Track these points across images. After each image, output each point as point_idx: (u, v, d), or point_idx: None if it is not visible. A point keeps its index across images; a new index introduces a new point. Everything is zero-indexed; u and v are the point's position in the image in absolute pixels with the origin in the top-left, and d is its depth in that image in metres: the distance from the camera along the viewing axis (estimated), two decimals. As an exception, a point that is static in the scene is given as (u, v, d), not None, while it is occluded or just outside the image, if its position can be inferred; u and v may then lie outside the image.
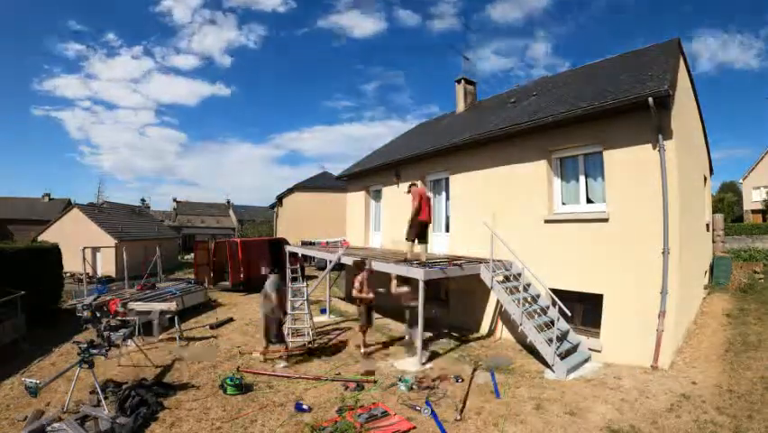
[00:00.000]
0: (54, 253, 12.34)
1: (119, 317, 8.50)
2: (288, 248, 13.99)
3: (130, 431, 4.57)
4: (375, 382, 6.03)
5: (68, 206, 32.70)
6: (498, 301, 8.00)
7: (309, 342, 7.93)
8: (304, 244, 13.85)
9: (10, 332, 8.60)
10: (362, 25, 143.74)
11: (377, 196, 13.64)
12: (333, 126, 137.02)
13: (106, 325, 6.69)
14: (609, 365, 6.38)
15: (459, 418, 4.82)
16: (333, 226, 22.95)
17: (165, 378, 6.39)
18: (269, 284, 7.49)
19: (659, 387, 5.45)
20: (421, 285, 6.85)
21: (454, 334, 8.59)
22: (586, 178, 7.47)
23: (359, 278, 7.60)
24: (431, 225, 8.71)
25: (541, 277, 7.55)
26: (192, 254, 23.19)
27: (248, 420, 4.92)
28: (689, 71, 8.90)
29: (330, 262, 10.21)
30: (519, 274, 7.69)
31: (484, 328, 8.75)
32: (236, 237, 27.31)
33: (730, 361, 6.17)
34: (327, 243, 13.79)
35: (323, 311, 11.11)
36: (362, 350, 7.51)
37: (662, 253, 6.12)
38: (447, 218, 10.42)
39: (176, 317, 8.84)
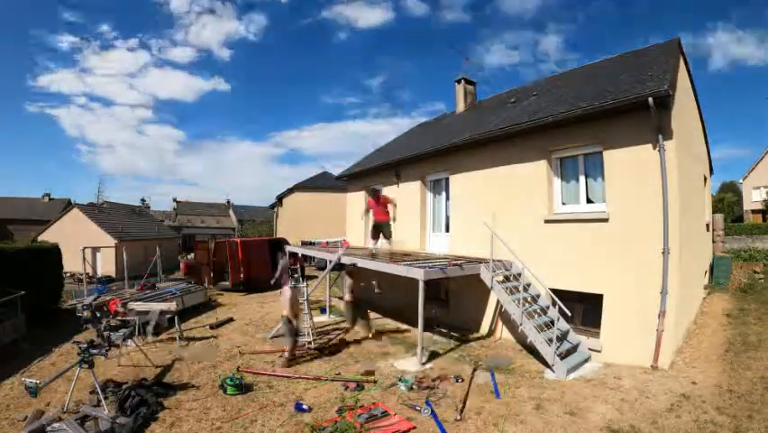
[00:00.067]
0: (54, 253, 12.34)
1: (119, 317, 8.50)
2: (287, 248, 14.00)
3: (130, 431, 4.57)
4: (375, 382, 6.03)
5: (68, 206, 32.72)
6: (498, 301, 8.00)
7: (309, 342, 7.93)
8: (304, 244, 13.85)
9: (10, 332, 8.60)
10: (367, 17, 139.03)
11: (377, 196, 13.61)
12: (335, 124, 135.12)
13: (106, 325, 6.70)
14: (609, 365, 6.38)
15: (459, 418, 4.82)
16: (333, 226, 22.96)
17: (165, 378, 6.39)
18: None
19: (659, 387, 5.45)
20: (421, 285, 6.86)
21: (454, 334, 8.59)
22: (586, 178, 7.47)
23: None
24: (431, 225, 10.62)
25: (541, 277, 7.55)
26: (192, 254, 23.19)
27: (248, 420, 4.92)
28: (689, 71, 8.90)
29: (330, 262, 10.20)
30: (519, 274, 7.69)
31: (484, 328, 8.75)
32: (236, 237, 27.31)
33: (730, 361, 6.17)
34: (327, 243, 13.76)
35: (323, 311, 11.11)
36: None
37: (662, 253, 6.12)
38: (447, 218, 10.42)
39: (176, 317, 8.84)
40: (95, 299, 8.69)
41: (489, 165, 8.93)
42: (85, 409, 4.98)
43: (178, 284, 13.97)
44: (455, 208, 9.99)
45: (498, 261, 7.83)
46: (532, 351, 6.97)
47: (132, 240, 24.42)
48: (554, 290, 7.17)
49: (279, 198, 30.69)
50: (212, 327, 9.86)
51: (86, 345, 5.38)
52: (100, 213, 25.87)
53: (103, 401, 5.01)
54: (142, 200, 50.19)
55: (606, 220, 6.84)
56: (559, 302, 6.58)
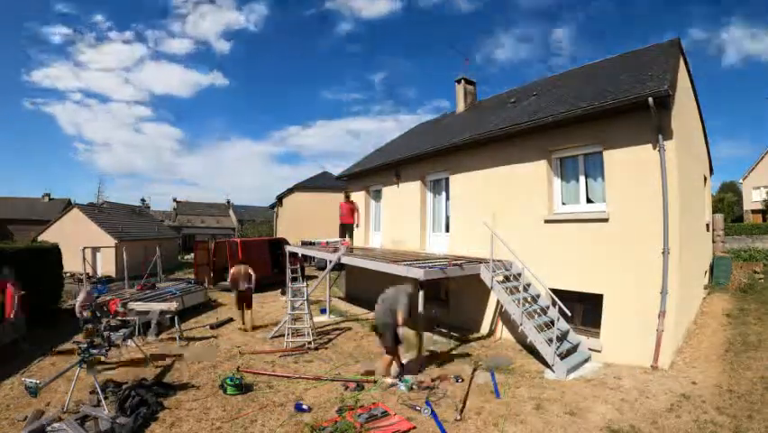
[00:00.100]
0: (54, 253, 12.33)
1: (119, 317, 8.50)
2: (287, 248, 13.99)
3: (130, 431, 4.57)
4: (375, 382, 6.03)
5: (68, 206, 32.71)
6: (498, 301, 8.00)
7: (309, 342, 7.94)
8: (304, 244, 13.84)
9: (10, 332, 8.59)
10: (372, 8, 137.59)
11: (377, 196, 13.64)
12: (338, 121, 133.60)
13: (106, 325, 6.70)
14: (609, 365, 6.38)
15: (459, 418, 4.82)
16: (333, 226, 22.90)
17: (165, 378, 6.39)
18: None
19: (659, 387, 5.45)
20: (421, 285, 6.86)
21: (454, 334, 8.59)
22: (586, 178, 7.47)
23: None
24: (431, 225, 11.05)
25: (541, 277, 7.55)
26: (192, 254, 23.20)
27: (248, 420, 4.92)
28: (689, 71, 8.90)
29: (330, 262, 10.20)
30: (519, 274, 7.69)
31: (484, 328, 8.75)
32: (236, 237, 27.31)
33: (730, 361, 6.17)
34: (327, 243, 13.78)
35: (323, 311, 11.11)
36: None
37: (662, 253, 6.12)
38: (447, 218, 10.42)
39: (176, 317, 8.84)
40: (95, 299, 8.69)
41: (489, 165, 8.93)
42: (85, 409, 4.98)
43: (178, 284, 13.97)
44: (455, 208, 9.99)
45: (498, 261, 7.83)
46: (532, 351, 6.97)
47: (132, 240, 24.41)
48: (554, 290, 7.17)
49: (279, 198, 30.69)
50: (212, 327, 9.85)
51: (86, 345, 5.38)
52: (100, 213, 25.87)
53: (103, 401, 5.01)
54: (142, 200, 50.23)
55: (606, 220, 6.84)
56: (559, 302, 6.58)
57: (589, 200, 7.44)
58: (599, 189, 7.23)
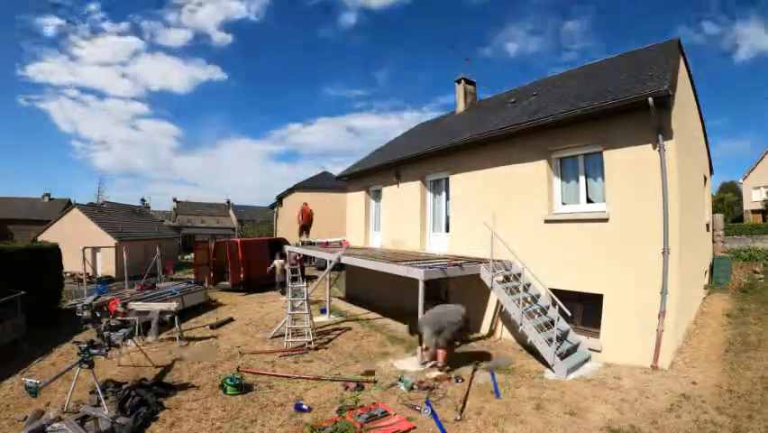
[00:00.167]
0: (54, 253, 12.34)
1: (119, 317, 8.50)
2: (287, 248, 13.99)
3: (130, 431, 4.57)
4: (375, 382, 6.03)
5: (68, 206, 32.71)
6: (498, 301, 8.00)
7: (309, 342, 7.94)
8: (304, 243, 13.85)
9: (10, 332, 8.60)
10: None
11: (377, 196, 13.64)
12: (341, 117, 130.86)
13: (106, 325, 6.70)
14: (609, 365, 6.38)
15: (459, 418, 4.82)
16: (333, 226, 22.93)
17: (165, 378, 6.39)
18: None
19: (659, 387, 5.45)
20: (421, 285, 6.86)
21: (454, 334, 8.58)
22: (586, 178, 7.47)
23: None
24: (431, 225, 11.14)
25: (541, 277, 7.55)
26: (192, 254, 23.20)
27: (248, 420, 4.92)
28: (689, 71, 8.90)
29: (330, 262, 10.21)
30: (519, 274, 7.69)
31: (484, 328, 8.75)
32: (236, 237, 27.30)
33: (730, 361, 6.17)
34: (327, 243, 13.79)
35: (323, 311, 11.11)
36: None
37: (662, 253, 6.11)
38: (447, 218, 10.42)
39: (176, 317, 8.84)
40: (95, 299, 8.69)
41: (489, 165, 8.92)
42: (85, 409, 4.98)
43: (178, 284, 13.97)
44: (455, 208, 9.99)
45: (498, 261, 7.83)
46: (532, 351, 6.97)
47: (132, 240, 24.42)
48: (554, 290, 7.17)
49: (279, 198, 30.66)
50: (212, 327, 9.86)
51: (86, 345, 5.38)
52: (100, 213, 25.87)
53: (103, 401, 5.01)
54: (142, 200, 50.25)
55: (606, 220, 6.83)
56: (559, 302, 6.58)
57: (589, 200, 7.44)
58: (599, 189, 7.23)
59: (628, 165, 6.62)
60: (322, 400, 5.42)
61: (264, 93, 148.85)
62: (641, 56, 8.59)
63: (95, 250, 21.12)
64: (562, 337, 6.69)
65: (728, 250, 16.39)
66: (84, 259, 14.20)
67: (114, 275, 20.53)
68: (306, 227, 14.35)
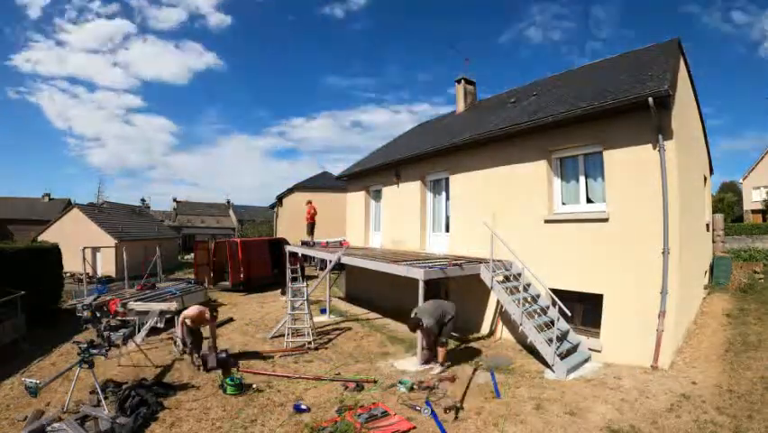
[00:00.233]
0: (54, 253, 12.35)
1: (119, 317, 8.51)
2: (287, 248, 13.99)
3: (130, 431, 4.57)
4: (375, 382, 6.03)
5: (68, 206, 32.72)
6: (498, 301, 8.00)
7: (309, 342, 7.94)
8: (304, 243, 13.85)
9: (10, 332, 8.60)
10: None
11: (377, 196, 13.64)
12: (345, 111, 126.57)
13: (106, 325, 6.70)
14: (609, 365, 6.38)
15: (455, 417, 4.81)
16: (333, 226, 22.93)
17: (165, 378, 6.39)
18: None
19: (659, 387, 5.45)
20: (421, 285, 6.86)
21: (454, 334, 8.57)
22: (586, 178, 7.47)
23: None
24: (431, 225, 11.14)
25: (541, 277, 7.55)
26: (192, 254, 23.20)
27: (248, 420, 4.92)
28: (689, 71, 8.90)
29: (330, 262, 10.21)
30: (519, 274, 7.69)
31: (484, 328, 8.75)
32: (236, 237, 27.31)
33: (730, 361, 6.17)
34: (327, 243, 13.79)
35: (323, 311, 11.11)
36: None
37: (662, 253, 6.11)
38: (447, 218, 10.42)
39: (176, 318, 8.83)
40: (95, 299, 8.71)
41: (489, 165, 8.93)
42: (85, 409, 4.98)
43: (178, 284, 13.97)
44: (455, 208, 9.99)
45: (498, 261, 7.83)
46: (532, 351, 6.97)
47: (132, 240, 24.42)
48: (554, 290, 7.17)
49: (279, 198, 30.68)
50: (212, 327, 9.85)
51: (86, 345, 5.38)
52: (100, 213, 25.88)
53: (103, 401, 5.01)
54: (142, 200, 50.34)
55: (606, 220, 6.83)
56: (559, 302, 6.58)
57: (589, 200, 7.44)
58: (599, 189, 7.23)
59: (628, 165, 6.62)
60: (322, 401, 5.42)
61: (264, 84, 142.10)
62: (641, 56, 8.59)
63: (95, 250, 21.12)
64: (562, 337, 6.69)
65: (728, 250, 16.39)
66: (84, 259, 14.20)
67: (114, 275, 20.52)
68: (310, 226, 14.51)
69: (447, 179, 10.34)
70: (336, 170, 21.56)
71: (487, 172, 9.01)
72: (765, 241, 21.07)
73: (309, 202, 15.00)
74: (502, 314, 8.06)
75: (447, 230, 10.37)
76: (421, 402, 5.15)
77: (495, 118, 9.67)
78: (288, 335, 8.07)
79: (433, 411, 4.89)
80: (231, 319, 10.78)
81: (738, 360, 6.17)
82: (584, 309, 7.30)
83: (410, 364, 6.83)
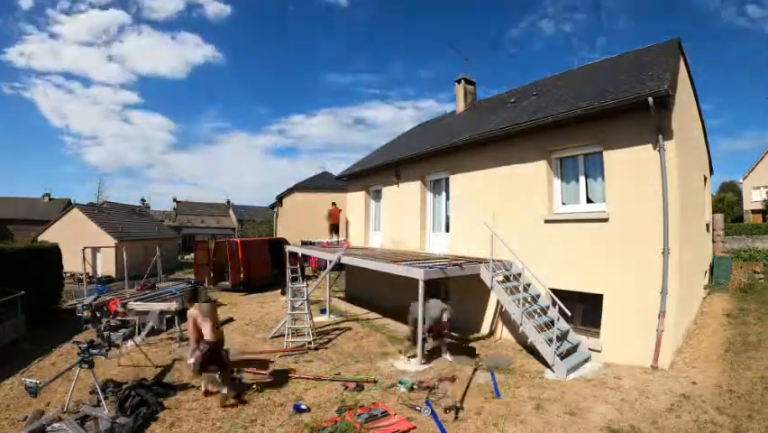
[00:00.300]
0: (54, 253, 12.35)
1: (119, 317, 8.50)
2: (287, 248, 13.99)
3: (130, 431, 4.57)
4: (375, 382, 6.03)
5: (68, 206, 32.71)
6: (498, 301, 8.00)
7: (309, 342, 7.94)
8: (304, 243, 13.84)
9: (10, 332, 8.60)
10: None
11: (377, 196, 13.64)
12: (347, 108, 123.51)
13: (106, 325, 6.70)
14: (609, 365, 6.38)
15: (455, 417, 4.81)
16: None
17: (165, 378, 6.39)
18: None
19: (659, 387, 5.45)
20: (421, 285, 6.86)
21: (455, 334, 8.58)
22: (586, 178, 7.47)
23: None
24: (431, 225, 11.16)
25: (541, 277, 7.55)
26: (192, 254, 23.20)
27: (248, 420, 4.92)
28: (689, 71, 8.90)
29: (330, 262, 10.21)
30: (519, 274, 7.69)
31: (484, 329, 8.75)
32: (236, 237, 27.31)
33: (730, 361, 6.17)
34: (328, 243, 13.80)
35: (323, 311, 11.10)
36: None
37: (662, 253, 6.11)
38: (447, 218, 10.42)
39: (176, 318, 8.83)
40: (95, 299, 8.70)
41: (489, 165, 8.92)
42: (85, 409, 4.98)
43: (178, 284, 13.96)
44: (455, 208, 9.99)
45: (498, 261, 7.83)
46: (532, 351, 6.97)
47: (132, 240, 24.41)
48: (554, 290, 7.17)
49: (279, 198, 30.66)
50: (212, 327, 9.84)
51: (86, 345, 5.38)
52: (100, 213, 25.87)
53: (103, 401, 5.01)
54: (142, 200, 50.32)
55: (606, 220, 6.83)
56: (559, 302, 6.58)
57: (589, 200, 7.44)
58: (599, 189, 7.23)
59: (628, 165, 6.62)
60: (322, 400, 5.42)
61: (264, 79, 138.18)
62: (641, 56, 8.59)
63: (95, 250, 21.10)
64: (562, 337, 6.69)
65: (728, 250, 16.39)
66: (84, 259, 14.19)
67: (114, 275, 20.51)
68: (335, 226, 15.01)
69: (447, 179, 10.34)
70: (337, 169, 21.55)
71: (487, 172, 9.01)
72: (765, 241, 21.06)
73: (334, 204, 15.34)
74: (502, 314, 8.06)
75: (447, 230, 10.37)
76: (421, 402, 5.16)
77: (495, 118, 9.67)
78: (288, 335, 8.07)
79: (433, 411, 4.90)
80: (231, 319, 10.78)
81: (738, 360, 6.17)
82: (584, 309, 7.30)
83: (410, 365, 6.83)
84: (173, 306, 8.99)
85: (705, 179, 11.90)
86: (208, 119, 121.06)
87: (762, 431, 4.27)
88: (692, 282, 8.23)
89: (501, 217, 8.38)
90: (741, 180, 39.42)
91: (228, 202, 56.91)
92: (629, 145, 6.60)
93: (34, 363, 7.38)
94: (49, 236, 21.23)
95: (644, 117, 6.19)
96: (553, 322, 6.62)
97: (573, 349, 6.70)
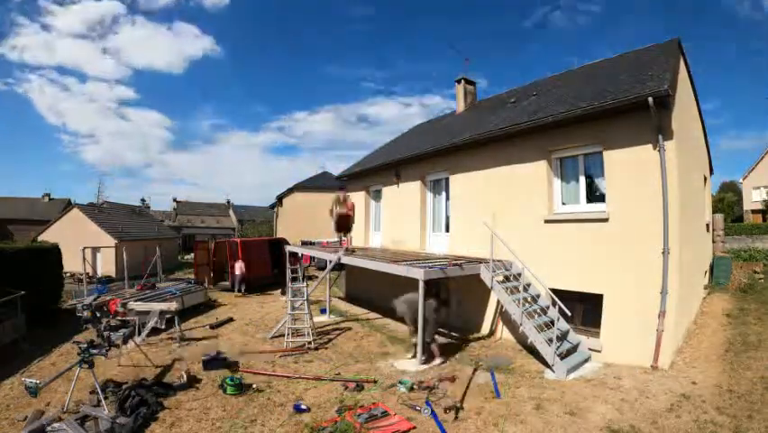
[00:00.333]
0: (54, 253, 12.34)
1: (119, 317, 8.50)
2: (287, 248, 13.99)
3: (130, 431, 4.57)
4: (375, 381, 6.03)
5: (68, 206, 32.71)
6: (498, 301, 8.00)
7: (309, 342, 7.94)
8: (304, 243, 13.84)
9: (10, 332, 8.60)
10: None
11: (377, 196, 13.64)
12: (354, 105, 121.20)
13: (106, 325, 6.70)
14: (609, 365, 6.38)
15: (455, 417, 4.81)
16: (333, 226, 22.92)
17: (165, 378, 6.39)
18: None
19: (659, 387, 5.45)
20: (421, 285, 6.85)
21: (455, 334, 8.59)
22: (586, 178, 7.47)
23: None
24: (431, 225, 11.09)
25: (541, 277, 7.55)
26: (192, 254, 23.20)
27: (248, 420, 4.92)
28: (689, 71, 8.90)
29: (330, 262, 10.21)
30: (519, 274, 7.69)
31: (485, 329, 8.75)
32: (236, 237, 27.31)
33: (730, 361, 6.17)
34: (328, 243, 13.79)
35: (323, 311, 11.11)
36: None
37: (662, 253, 6.11)
38: (447, 218, 10.42)
39: (176, 318, 8.83)
40: (95, 299, 8.69)
41: (489, 165, 8.92)
42: (85, 409, 4.98)
43: (178, 284, 13.97)
44: (455, 208, 9.99)
45: (498, 261, 7.83)
46: (532, 351, 6.97)
47: (132, 240, 24.41)
48: (554, 290, 7.17)
49: (279, 198, 30.71)
50: (212, 327, 9.86)
51: (86, 345, 5.38)
52: (100, 213, 25.87)
53: (103, 401, 5.01)
54: (142, 200, 50.33)
55: (606, 220, 6.83)
56: (559, 302, 6.58)
57: (589, 200, 7.44)
58: (599, 190, 7.22)
59: (628, 165, 6.62)
60: (322, 400, 5.42)
61: (264, 75, 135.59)
62: (641, 56, 8.59)
63: (95, 250, 21.10)
64: (562, 337, 6.69)
65: (728, 250, 16.39)
66: (84, 259, 14.20)
67: (114, 275, 20.52)
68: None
69: (447, 179, 10.34)
70: (338, 168, 21.56)
71: (487, 172, 9.01)
72: (765, 241, 21.07)
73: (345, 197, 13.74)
74: (502, 314, 8.06)
75: (447, 230, 10.37)
76: (421, 402, 5.16)
77: (495, 118, 9.67)
78: (288, 335, 8.07)
79: (433, 411, 4.90)
80: (231, 319, 10.79)
81: (738, 360, 6.17)
82: (584, 309, 7.29)
83: (410, 365, 6.83)
84: (173, 306, 8.98)
85: (705, 179, 11.90)
86: (207, 116, 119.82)
87: (762, 431, 4.27)
88: (692, 282, 8.23)
89: (501, 217, 8.38)
90: (741, 180, 39.43)
91: (228, 202, 56.90)
92: (629, 145, 6.59)
93: (34, 363, 7.38)
94: (49, 236, 21.23)
95: (644, 117, 6.19)
96: (553, 322, 6.62)
97: (573, 349, 6.70)
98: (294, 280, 9.31)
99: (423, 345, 6.90)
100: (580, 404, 5.11)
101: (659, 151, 6.16)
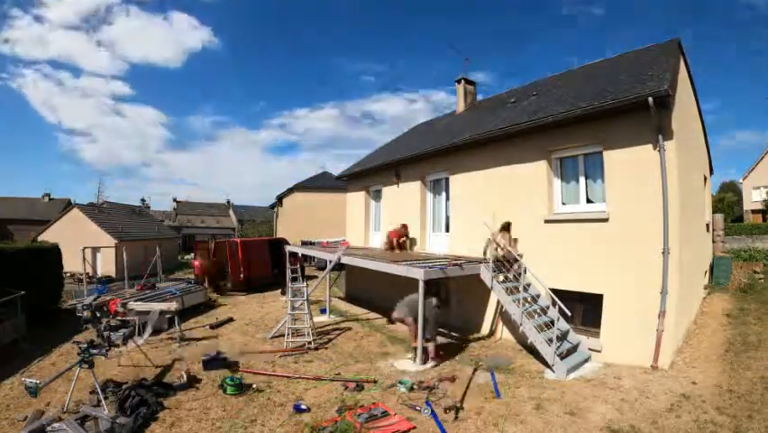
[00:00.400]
0: (54, 253, 12.34)
1: (119, 317, 8.50)
2: (287, 248, 13.99)
3: (130, 431, 4.57)
4: (375, 381, 6.03)
5: (68, 206, 32.71)
6: (498, 301, 8.00)
7: (309, 342, 7.93)
8: (304, 243, 13.85)
9: (10, 332, 8.60)
10: None
11: (377, 196, 13.64)
12: (355, 101, 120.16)
13: (106, 325, 6.70)
14: (609, 365, 6.38)
15: (455, 417, 4.81)
16: (333, 226, 22.97)
17: (165, 378, 6.39)
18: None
19: (659, 387, 5.45)
20: (421, 285, 6.85)
21: (455, 334, 8.59)
22: (586, 178, 7.47)
23: None
24: (431, 225, 11.06)
25: (541, 277, 7.55)
26: (192, 254, 23.19)
27: (248, 420, 4.92)
28: (689, 71, 8.90)
29: (330, 262, 10.21)
30: (519, 274, 7.69)
31: (485, 329, 8.75)
32: (236, 237, 27.31)
33: (730, 361, 6.17)
34: (328, 243, 13.80)
35: (323, 311, 11.11)
36: None
37: (662, 253, 6.11)
38: (447, 218, 10.42)
39: (176, 317, 8.83)
40: (95, 299, 8.69)
41: (490, 165, 8.92)
42: (85, 409, 4.98)
43: (178, 284, 13.96)
44: (455, 208, 9.99)
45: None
46: (532, 351, 6.97)
47: (132, 240, 24.41)
48: (554, 290, 7.16)
49: (279, 198, 30.71)
50: (212, 327, 9.86)
51: (86, 345, 5.37)
52: (100, 213, 25.87)
53: (103, 401, 5.01)
54: (142, 200, 50.36)
55: (606, 220, 6.83)
56: (559, 302, 6.57)
57: (589, 200, 7.44)
58: (599, 189, 7.23)
59: (628, 165, 6.62)
60: (322, 400, 5.42)
61: (264, 70, 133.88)
62: (641, 56, 8.59)
63: (95, 250, 21.10)
64: (562, 337, 6.69)
65: (728, 250, 16.38)
66: (84, 259, 14.20)
67: (114, 275, 20.51)
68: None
69: (447, 179, 10.34)
70: (339, 167, 21.58)
71: (487, 172, 9.01)
72: (765, 241, 21.07)
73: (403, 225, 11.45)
74: (502, 314, 8.06)
75: (447, 230, 10.37)
76: (421, 402, 5.15)
77: (495, 118, 9.67)
78: (288, 335, 8.07)
79: (433, 411, 4.90)
80: (231, 319, 10.79)
81: (738, 360, 6.17)
82: (584, 309, 7.29)
83: (410, 365, 6.83)
84: (173, 306, 8.97)
85: (705, 179, 11.90)
86: (206, 113, 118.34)
87: (762, 431, 4.27)
88: (692, 282, 8.23)
89: (501, 217, 8.37)
90: (741, 180, 39.45)
91: (228, 202, 56.91)
92: (629, 145, 6.60)
93: (34, 363, 7.38)
94: (49, 236, 21.22)
95: (644, 117, 6.19)
96: (553, 322, 6.62)
97: (573, 349, 6.70)
98: (294, 280, 9.31)
99: (423, 345, 6.90)
100: (580, 404, 5.11)
101: (659, 151, 6.16)
